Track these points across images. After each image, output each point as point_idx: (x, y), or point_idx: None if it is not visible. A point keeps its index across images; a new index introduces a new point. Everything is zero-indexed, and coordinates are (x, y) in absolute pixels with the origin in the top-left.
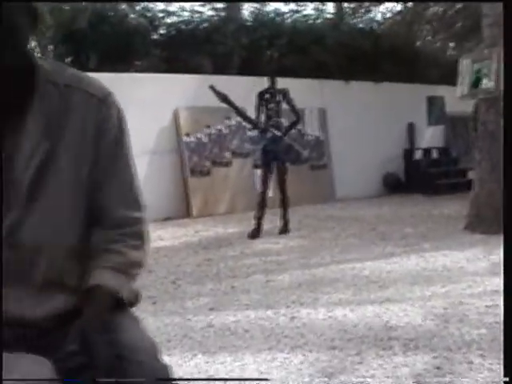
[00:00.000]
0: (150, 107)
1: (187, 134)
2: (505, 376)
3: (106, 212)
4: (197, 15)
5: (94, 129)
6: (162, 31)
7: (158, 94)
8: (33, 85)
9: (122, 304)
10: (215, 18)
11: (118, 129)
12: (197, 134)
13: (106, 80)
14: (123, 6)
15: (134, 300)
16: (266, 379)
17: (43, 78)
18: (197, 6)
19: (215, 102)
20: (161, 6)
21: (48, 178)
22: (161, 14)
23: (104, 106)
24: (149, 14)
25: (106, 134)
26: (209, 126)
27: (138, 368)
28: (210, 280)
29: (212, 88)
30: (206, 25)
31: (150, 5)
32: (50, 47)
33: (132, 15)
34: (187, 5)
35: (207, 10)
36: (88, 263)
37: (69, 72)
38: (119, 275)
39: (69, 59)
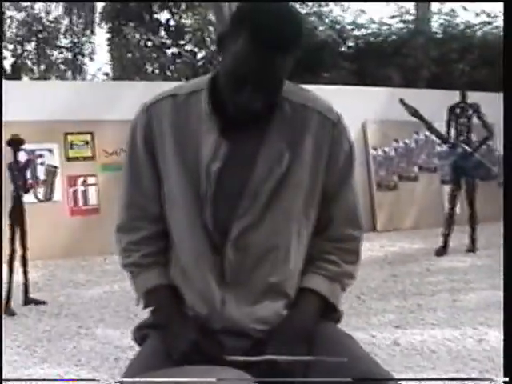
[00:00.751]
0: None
1: (374, 148)
2: (505, 376)
3: (330, 226)
4: (385, 27)
5: (327, 151)
6: (350, 43)
7: (347, 106)
8: (275, 102)
9: (331, 312)
10: (404, 30)
11: (349, 153)
12: (384, 148)
13: None
14: (312, 18)
15: (340, 312)
16: (490, 379)
17: (282, 95)
18: (385, 19)
19: (404, 115)
20: (349, 18)
21: (285, 190)
22: (349, 27)
23: (337, 131)
24: (338, 27)
25: (339, 158)
26: (397, 140)
27: None
28: (396, 296)
29: (402, 102)
30: (394, 37)
31: (339, 17)
32: None
33: (321, 28)
34: (376, 17)
35: (396, 23)
36: (302, 269)
37: (302, 91)
38: (332, 283)
39: None
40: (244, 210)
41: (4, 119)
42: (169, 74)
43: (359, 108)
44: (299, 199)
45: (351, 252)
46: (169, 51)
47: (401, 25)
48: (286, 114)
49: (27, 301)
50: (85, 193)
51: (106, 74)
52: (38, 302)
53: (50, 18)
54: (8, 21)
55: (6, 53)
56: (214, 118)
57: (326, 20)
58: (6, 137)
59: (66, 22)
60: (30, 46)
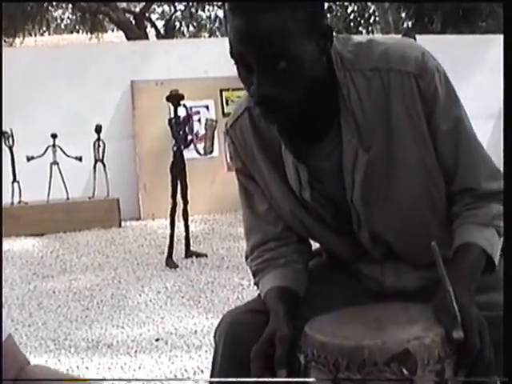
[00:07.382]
0: (493, 69)
1: None
2: (505, 376)
3: (466, 190)
4: None
5: (420, 109)
6: None
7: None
8: (333, 82)
9: (491, 263)
10: None
11: (446, 97)
12: None
13: (450, 42)
14: None
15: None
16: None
17: (343, 69)
18: None
19: None
20: None
21: (391, 175)
22: None
23: (422, 81)
24: None
25: (436, 109)
26: None
27: None
28: None
29: None
30: None
31: None
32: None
33: None
34: None
35: None
36: (450, 227)
37: (373, 52)
38: (487, 229)
39: (409, 23)
40: (353, 223)
41: (161, 78)
42: None
43: None
44: (414, 176)
45: (497, 200)
46: None
47: None
48: (354, 88)
49: (189, 253)
50: None
51: None
52: (199, 255)
53: None
54: None
55: (156, 15)
56: (281, 137)
57: None
58: (166, 94)
59: None
60: (181, 7)
